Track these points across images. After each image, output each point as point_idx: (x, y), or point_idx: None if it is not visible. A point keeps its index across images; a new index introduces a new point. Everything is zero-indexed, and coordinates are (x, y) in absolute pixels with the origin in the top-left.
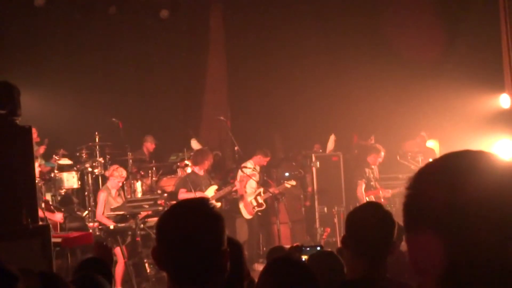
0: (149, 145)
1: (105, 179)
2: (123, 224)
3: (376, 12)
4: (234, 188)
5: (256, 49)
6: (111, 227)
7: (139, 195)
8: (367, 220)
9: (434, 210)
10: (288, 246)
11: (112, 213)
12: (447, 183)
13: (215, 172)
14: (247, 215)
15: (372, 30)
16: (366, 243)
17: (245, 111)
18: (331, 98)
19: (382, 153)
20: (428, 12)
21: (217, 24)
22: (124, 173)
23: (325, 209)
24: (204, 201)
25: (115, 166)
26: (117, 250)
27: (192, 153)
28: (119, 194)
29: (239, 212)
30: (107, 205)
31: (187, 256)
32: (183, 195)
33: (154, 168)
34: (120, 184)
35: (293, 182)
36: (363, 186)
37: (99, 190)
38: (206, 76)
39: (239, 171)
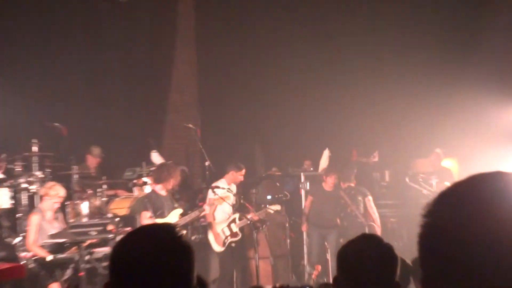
0: (91, 160)
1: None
2: (63, 255)
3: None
4: (203, 213)
5: (234, 42)
6: (48, 258)
7: (85, 219)
8: (362, 256)
9: (459, 246)
10: (269, 287)
11: (48, 241)
12: (477, 214)
13: (180, 193)
14: (217, 247)
15: (377, 31)
16: (362, 284)
17: (219, 118)
18: (326, 105)
19: None
20: (444, 20)
21: (187, 9)
22: (62, 192)
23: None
24: (169, 228)
25: (50, 184)
26: None
27: (152, 169)
28: (56, 218)
29: (207, 244)
30: (40, 231)
31: None
32: (146, 221)
33: (104, 186)
34: (57, 206)
35: (278, 207)
36: (371, 200)
37: (31, 213)
38: (171, 73)
39: (210, 191)
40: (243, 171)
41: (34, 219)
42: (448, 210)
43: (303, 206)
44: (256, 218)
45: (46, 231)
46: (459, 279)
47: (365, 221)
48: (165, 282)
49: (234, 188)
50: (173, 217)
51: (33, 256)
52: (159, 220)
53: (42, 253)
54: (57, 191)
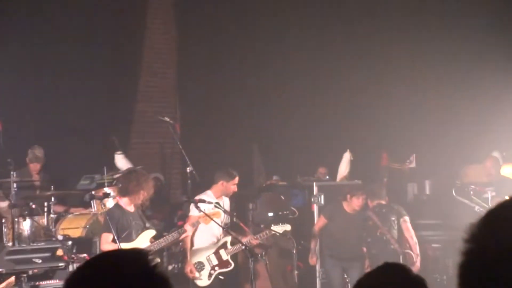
0: (32, 164)
1: None
2: None
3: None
4: (184, 235)
5: (222, 15)
6: None
7: (26, 243)
8: None
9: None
10: None
11: None
12: None
13: (153, 208)
14: (200, 281)
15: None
16: None
17: (204, 109)
18: (346, 96)
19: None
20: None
21: None
22: None
23: None
24: (139, 256)
25: None
26: None
27: (116, 176)
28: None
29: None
30: None
31: None
32: (108, 245)
33: (52, 199)
34: None
35: (287, 227)
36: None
37: None
38: (143, 51)
39: (192, 207)
40: (236, 179)
41: None
42: (497, 233)
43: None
44: (255, 242)
45: None
46: None
47: (400, 248)
48: None
49: (226, 202)
50: (144, 240)
51: None
52: (125, 245)
53: None
54: None
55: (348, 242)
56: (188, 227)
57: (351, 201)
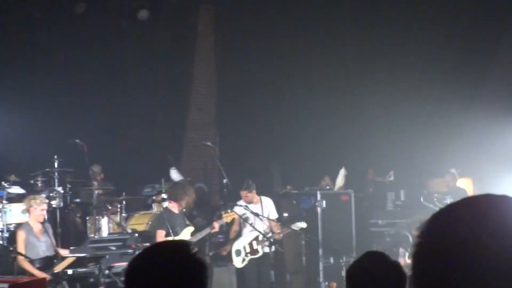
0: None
1: (63, 213)
2: (83, 269)
3: (397, 35)
4: (213, 230)
5: (252, 61)
6: (69, 272)
7: (105, 234)
8: (371, 273)
9: (451, 266)
10: None
11: (70, 255)
12: (468, 233)
13: (198, 210)
14: (238, 263)
15: (393, 51)
16: None
17: (237, 136)
18: (342, 124)
19: None
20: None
21: (206, 29)
22: (45, 203)
23: (331, 259)
24: (184, 244)
25: (31, 196)
26: None
27: (170, 186)
28: (45, 231)
29: (225, 260)
30: (28, 245)
31: None
32: (161, 239)
33: (124, 202)
34: (43, 218)
35: (303, 225)
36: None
37: (18, 228)
38: (191, 91)
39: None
40: (242, 193)
41: (20, 235)
42: (440, 230)
43: (319, 224)
44: (278, 237)
45: (34, 245)
46: None
47: None
48: None
49: (265, 204)
50: (185, 234)
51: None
52: (174, 238)
53: (31, 268)
54: (41, 201)
55: None
56: (216, 225)
57: None
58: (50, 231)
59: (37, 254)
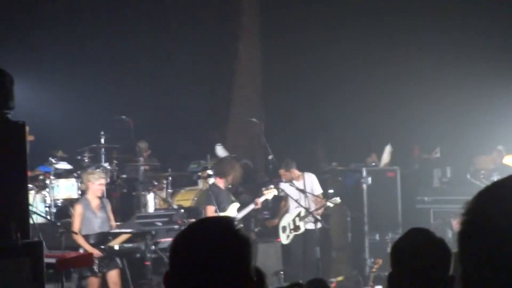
0: (145, 154)
1: (110, 188)
2: (130, 245)
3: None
4: (257, 206)
5: (298, 39)
6: (116, 247)
7: (151, 210)
8: (416, 251)
9: (497, 242)
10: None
11: (117, 230)
12: (506, 213)
13: (244, 186)
14: (284, 240)
15: (439, 31)
16: (417, 279)
17: (282, 113)
18: (389, 100)
19: None
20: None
21: (251, 6)
22: (103, 177)
23: (377, 236)
24: (229, 220)
25: (90, 170)
26: (112, 276)
27: (216, 161)
28: (102, 207)
29: (271, 236)
30: (84, 220)
31: (207, 285)
32: (211, 214)
33: (170, 178)
34: (101, 193)
35: (337, 200)
36: None
37: (75, 202)
38: (236, 69)
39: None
40: (280, 171)
41: (77, 209)
42: (485, 207)
43: (364, 201)
44: (315, 213)
45: (90, 220)
46: (495, 275)
47: None
48: (224, 274)
49: (308, 180)
50: (231, 211)
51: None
52: (221, 214)
53: (84, 243)
54: (99, 176)
55: None
56: (258, 201)
57: None
58: (108, 206)
59: (92, 229)
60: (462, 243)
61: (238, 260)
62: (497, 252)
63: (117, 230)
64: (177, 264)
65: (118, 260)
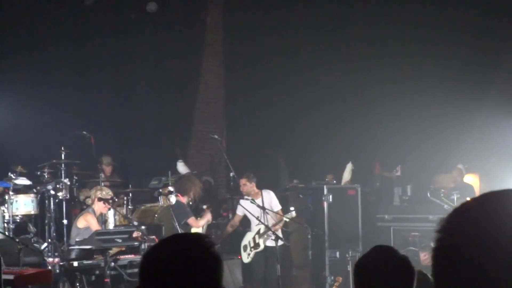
0: (104, 168)
1: (70, 205)
2: (89, 261)
3: (406, 31)
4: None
5: (260, 55)
6: (75, 264)
7: (111, 226)
8: (378, 269)
9: (472, 260)
10: None
11: (76, 246)
12: (488, 229)
13: (205, 203)
14: (245, 258)
15: (402, 46)
16: None
17: (244, 129)
18: (349, 119)
19: None
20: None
21: (215, 23)
22: (111, 195)
23: (337, 253)
24: (201, 237)
25: (98, 187)
26: None
27: (177, 178)
28: (102, 223)
29: (232, 253)
30: (87, 229)
31: None
32: (195, 223)
33: (130, 195)
34: (106, 211)
35: (293, 214)
36: None
37: (84, 214)
38: (199, 85)
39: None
40: (241, 180)
41: (90, 218)
42: (460, 224)
43: (325, 218)
44: (274, 228)
45: (89, 231)
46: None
47: None
48: None
49: (258, 201)
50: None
51: (60, 261)
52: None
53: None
54: (106, 194)
55: None
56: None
57: None
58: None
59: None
60: (436, 260)
61: (209, 277)
62: (470, 270)
63: (77, 247)
64: (147, 280)
65: (82, 277)
